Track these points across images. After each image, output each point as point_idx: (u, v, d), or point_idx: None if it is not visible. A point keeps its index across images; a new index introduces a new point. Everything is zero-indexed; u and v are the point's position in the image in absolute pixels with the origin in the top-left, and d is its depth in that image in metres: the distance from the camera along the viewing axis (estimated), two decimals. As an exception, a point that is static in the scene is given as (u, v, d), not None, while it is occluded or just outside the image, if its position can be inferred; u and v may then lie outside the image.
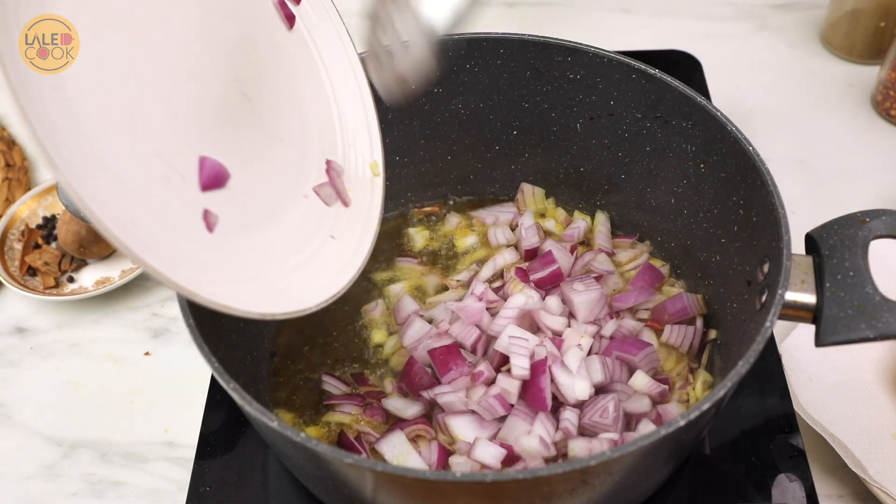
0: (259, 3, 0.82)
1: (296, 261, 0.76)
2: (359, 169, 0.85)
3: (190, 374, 1.05)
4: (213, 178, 0.71)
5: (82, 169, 0.60)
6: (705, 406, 0.68)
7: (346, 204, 0.83)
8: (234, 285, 0.69)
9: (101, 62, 0.66)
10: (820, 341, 0.75)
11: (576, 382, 0.87)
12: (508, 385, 0.88)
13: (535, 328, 0.95)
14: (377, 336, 0.99)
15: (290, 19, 0.83)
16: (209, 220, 0.69)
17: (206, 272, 0.67)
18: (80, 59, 0.64)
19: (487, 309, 0.96)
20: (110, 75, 0.66)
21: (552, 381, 0.88)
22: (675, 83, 0.92)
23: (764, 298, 0.79)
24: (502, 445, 0.85)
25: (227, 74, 0.76)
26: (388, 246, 1.09)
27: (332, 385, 0.95)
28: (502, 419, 0.87)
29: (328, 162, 0.83)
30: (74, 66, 0.63)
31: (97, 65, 0.65)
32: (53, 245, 1.20)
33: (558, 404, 0.88)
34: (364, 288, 1.05)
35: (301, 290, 0.74)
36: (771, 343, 0.98)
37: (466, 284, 1.03)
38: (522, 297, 0.96)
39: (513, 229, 1.09)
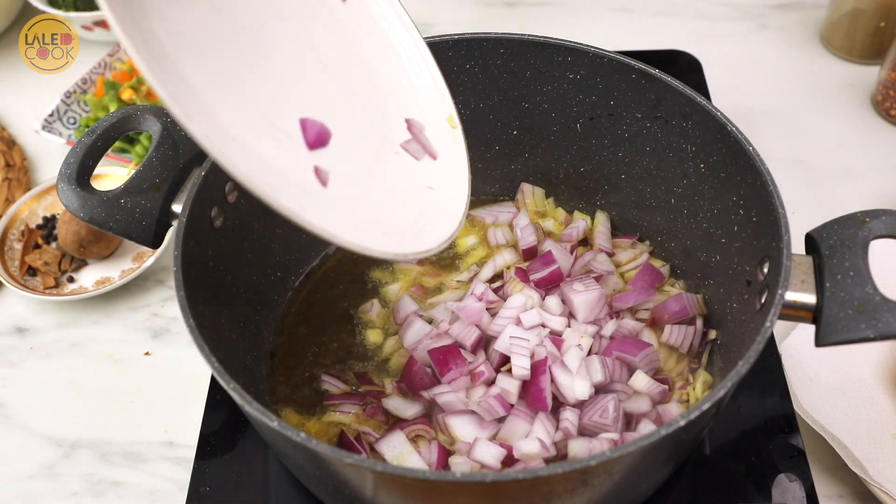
0: None
1: (408, 209, 0.82)
2: (437, 123, 0.89)
3: (190, 374, 1.05)
4: (317, 137, 0.76)
5: (215, 134, 0.66)
6: (705, 406, 0.68)
7: (433, 157, 0.87)
8: (362, 231, 0.74)
9: (197, 38, 0.71)
10: (820, 341, 0.75)
11: (576, 382, 0.87)
12: (508, 385, 0.88)
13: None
14: (372, 336, 0.99)
15: None
16: (321, 176, 0.75)
17: (336, 221, 0.72)
18: (184, 35, 0.70)
19: (487, 309, 0.96)
20: (206, 49, 0.72)
21: (552, 381, 0.88)
22: (675, 83, 0.92)
23: (764, 298, 0.79)
24: (502, 445, 0.85)
25: (302, 42, 0.81)
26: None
27: (331, 384, 0.95)
28: (502, 419, 0.88)
29: (407, 120, 0.87)
30: (179, 42, 0.69)
31: (194, 40, 0.71)
32: (53, 245, 1.20)
33: (558, 404, 0.88)
34: (361, 288, 1.05)
35: (422, 233, 0.80)
36: (771, 343, 0.98)
37: (466, 284, 1.03)
38: (522, 296, 0.96)
39: (513, 229, 1.09)
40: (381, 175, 0.82)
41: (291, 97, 0.77)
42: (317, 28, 0.84)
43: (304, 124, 0.76)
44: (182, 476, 0.97)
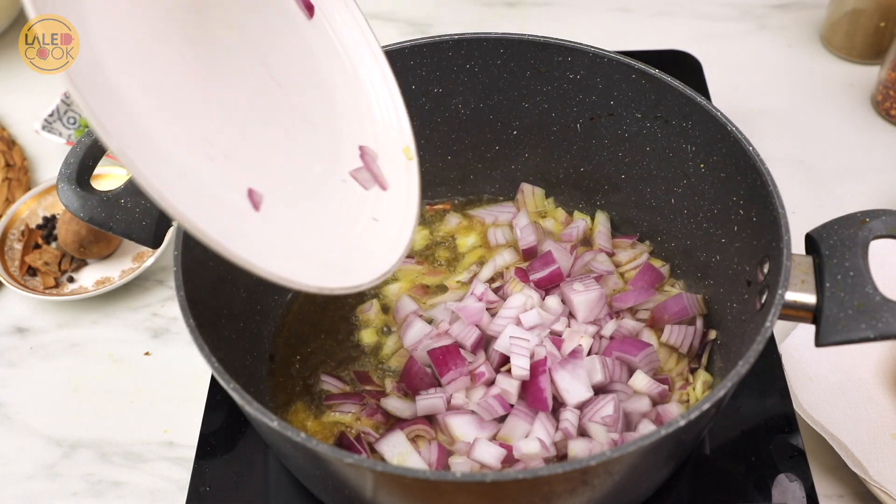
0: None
1: (345, 241, 0.79)
2: (392, 153, 0.87)
3: (190, 374, 1.05)
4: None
5: (136, 148, 0.63)
6: (705, 406, 0.68)
7: (383, 187, 0.85)
8: (288, 260, 0.71)
9: (141, 46, 0.68)
10: (820, 341, 0.75)
11: (575, 383, 0.87)
12: (508, 385, 0.88)
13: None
14: (367, 336, 0.99)
15: (309, 9, 0.85)
16: (254, 199, 0.72)
17: (260, 247, 0.70)
18: (122, 42, 0.66)
19: (487, 309, 0.96)
20: (149, 59, 0.69)
21: (551, 381, 0.88)
22: (675, 83, 0.92)
23: (764, 298, 0.79)
24: (502, 445, 0.85)
25: (257, 60, 0.79)
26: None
27: (330, 384, 0.95)
28: (502, 419, 0.88)
29: (361, 147, 0.85)
30: (116, 49, 0.66)
31: (137, 49, 0.68)
32: (53, 245, 1.20)
33: (558, 404, 0.88)
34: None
35: (353, 268, 0.77)
36: (771, 343, 0.98)
37: (466, 284, 1.03)
38: (522, 297, 0.96)
39: (512, 229, 1.09)
40: (323, 201, 0.79)
41: (234, 114, 0.74)
42: (275, 44, 0.81)
43: (243, 144, 0.73)
44: (182, 476, 0.97)
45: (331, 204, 0.80)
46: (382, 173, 0.85)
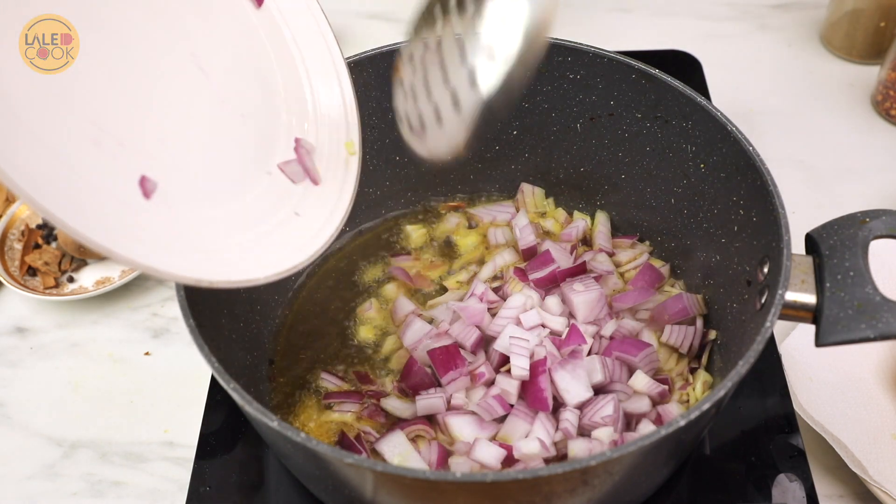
0: None
1: (253, 234, 0.76)
2: (333, 148, 0.85)
3: (190, 374, 1.05)
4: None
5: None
6: (705, 406, 0.68)
7: (315, 182, 0.82)
8: (172, 252, 0.68)
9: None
10: (820, 341, 0.75)
11: (575, 383, 0.87)
12: (508, 385, 0.88)
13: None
14: (365, 332, 1.00)
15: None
16: (146, 187, 0.68)
17: (141, 237, 0.66)
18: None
19: (488, 309, 0.96)
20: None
21: (551, 381, 0.88)
22: (675, 83, 0.92)
23: (764, 298, 0.79)
24: (502, 446, 0.85)
25: (181, 47, 0.75)
26: (386, 245, 1.10)
27: (331, 384, 0.95)
28: (502, 419, 0.88)
29: (297, 140, 0.82)
30: None
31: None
32: (53, 245, 1.20)
33: (558, 404, 0.88)
34: (361, 288, 1.05)
35: (250, 263, 0.73)
36: (771, 343, 0.98)
37: (466, 284, 1.03)
38: (522, 297, 0.96)
39: (512, 229, 1.09)
40: (238, 193, 0.76)
41: (138, 100, 0.71)
42: (208, 31, 0.78)
43: (145, 131, 0.70)
44: (182, 476, 0.97)
45: (248, 196, 0.77)
46: (316, 168, 0.82)
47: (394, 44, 0.97)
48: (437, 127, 0.70)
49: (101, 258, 1.19)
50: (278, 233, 0.77)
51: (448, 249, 1.09)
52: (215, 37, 0.78)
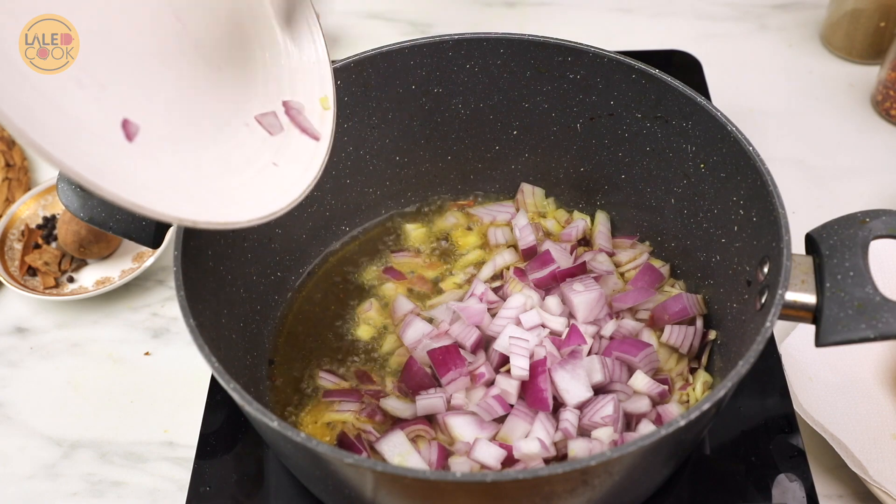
0: None
1: (234, 181, 0.77)
2: (310, 104, 0.86)
3: (190, 374, 1.05)
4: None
5: None
6: (705, 406, 0.68)
7: (315, 138, 0.84)
8: (156, 192, 0.69)
9: None
10: (820, 341, 0.75)
11: (575, 383, 0.87)
12: (508, 385, 0.88)
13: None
14: (363, 332, 1.00)
15: None
16: (129, 129, 0.70)
17: (127, 177, 0.67)
18: None
19: (488, 309, 0.96)
20: None
21: (551, 381, 0.88)
22: (675, 83, 0.92)
23: (764, 298, 0.79)
24: (502, 446, 0.85)
25: None
26: (386, 245, 1.10)
27: (329, 382, 0.95)
28: (502, 419, 0.88)
29: (285, 103, 0.84)
30: None
31: None
32: (53, 245, 1.20)
33: (558, 404, 0.88)
34: (361, 288, 1.05)
35: (231, 207, 0.75)
36: (771, 343, 0.98)
37: (466, 285, 1.03)
38: (522, 297, 0.96)
39: (512, 229, 1.09)
40: (215, 141, 0.78)
41: (117, 45, 0.72)
42: None
43: (124, 76, 0.71)
44: (182, 476, 0.97)
45: (225, 145, 0.78)
46: (311, 123, 0.84)
47: (394, 44, 0.97)
48: None
49: (101, 258, 1.19)
50: (258, 181, 0.79)
51: (448, 249, 1.09)
52: None
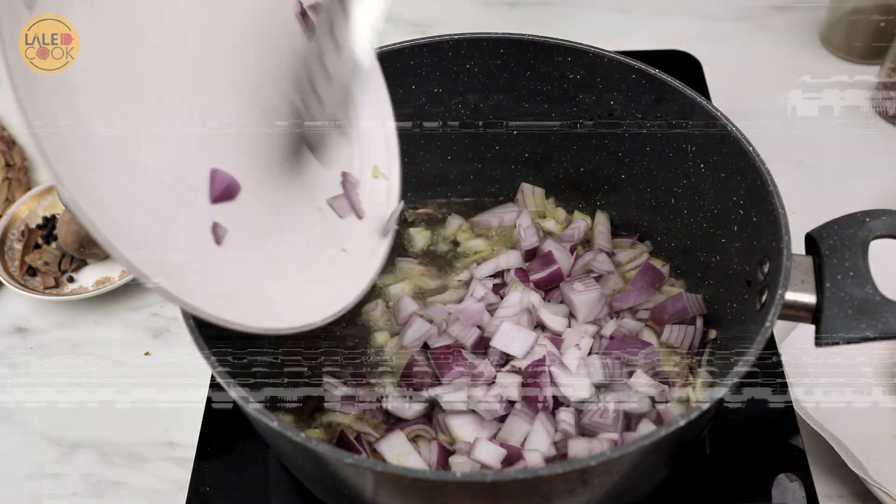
0: (280, 12, 0.79)
1: (305, 275, 0.75)
2: (373, 180, 0.84)
3: (190, 374, 1.05)
4: (224, 191, 0.69)
5: (82, 174, 0.59)
6: (705, 406, 0.68)
7: (360, 216, 0.81)
8: (237, 300, 0.68)
9: (105, 62, 0.64)
10: (820, 341, 0.75)
11: (575, 382, 0.87)
12: (508, 385, 0.88)
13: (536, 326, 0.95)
14: (379, 338, 0.99)
15: (313, 30, 0.80)
16: (218, 233, 0.68)
17: (210, 286, 0.66)
18: (84, 59, 0.63)
19: (488, 310, 0.96)
20: (118, 80, 0.65)
21: (552, 381, 0.88)
22: (675, 83, 0.92)
23: (764, 298, 0.79)
24: (502, 445, 0.85)
25: (245, 86, 0.74)
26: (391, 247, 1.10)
27: (331, 384, 0.95)
28: (502, 419, 0.88)
29: (344, 174, 0.81)
30: (78, 65, 0.62)
31: (102, 67, 0.64)
32: (53, 245, 1.20)
33: (558, 404, 0.88)
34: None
35: (307, 305, 0.73)
36: (771, 343, 0.98)
37: (466, 284, 1.03)
38: (519, 295, 0.96)
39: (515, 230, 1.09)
40: (291, 233, 0.75)
41: (211, 146, 0.70)
42: (266, 68, 0.76)
43: (214, 175, 0.69)
44: (182, 476, 0.97)
45: (300, 235, 0.76)
46: (360, 202, 0.81)
47: (394, 44, 0.97)
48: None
49: (101, 258, 1.19)
50: (329, 270, 0.77)
51: (452, 251, 1.09)
52: (269, 71, 0.76)
